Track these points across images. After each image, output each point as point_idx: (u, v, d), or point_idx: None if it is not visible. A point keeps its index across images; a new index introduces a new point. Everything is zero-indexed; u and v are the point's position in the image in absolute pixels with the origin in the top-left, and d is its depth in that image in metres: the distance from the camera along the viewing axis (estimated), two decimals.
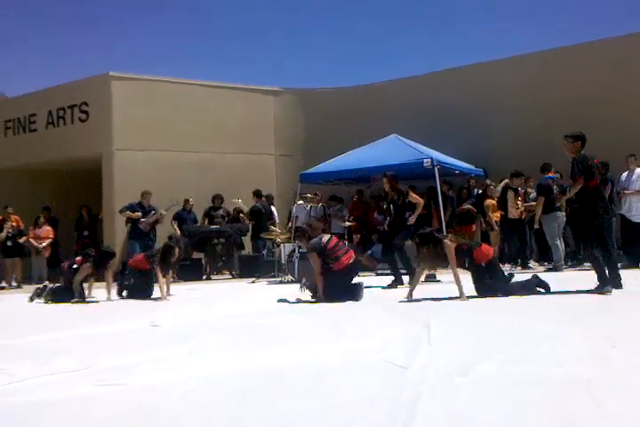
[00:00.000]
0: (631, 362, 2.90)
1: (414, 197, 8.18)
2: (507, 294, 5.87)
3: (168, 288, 7.98)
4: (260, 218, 10.57)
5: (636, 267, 9.28)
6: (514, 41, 28.74)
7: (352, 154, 11.94)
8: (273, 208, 12.18)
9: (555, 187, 9.38)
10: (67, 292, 7.62)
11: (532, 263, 10.59)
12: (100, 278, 8.26)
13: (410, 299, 5.97)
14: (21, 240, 12.26)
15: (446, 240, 6.06)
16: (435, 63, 36.55)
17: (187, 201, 12.12)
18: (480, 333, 3.94)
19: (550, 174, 9.64)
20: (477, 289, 6.02)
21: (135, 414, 2.42)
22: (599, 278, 5.89)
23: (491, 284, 5.98)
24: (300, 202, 11.15)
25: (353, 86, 14.86)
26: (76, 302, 7.37)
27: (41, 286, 8.38)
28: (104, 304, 7.46)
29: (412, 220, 7.96)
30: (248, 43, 34.51)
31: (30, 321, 6.12)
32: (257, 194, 11.53)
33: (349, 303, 6.14)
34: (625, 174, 9.73)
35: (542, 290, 6.01)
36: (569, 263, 9.96)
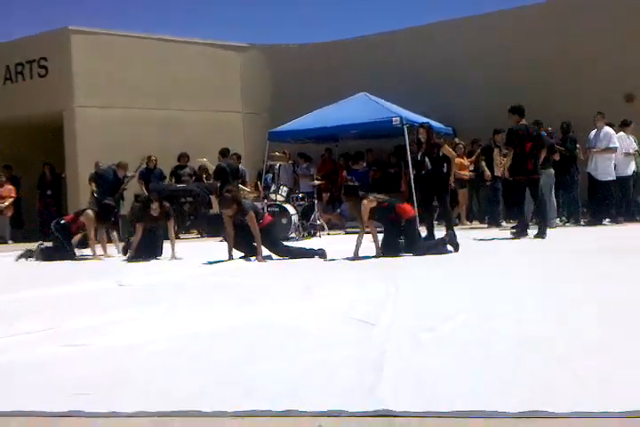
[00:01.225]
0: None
1: (448, 151, 7.95)
2: (421, 253, 6.11)
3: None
4: (225, 177, 10.44)
5: (600, 224, 9.51)
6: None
7: (321, 112, 11.81)
8: (242, 167, 12.04)
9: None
10: (57, 251, 7.63)
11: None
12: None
13: (356, 256, 6.14)
14: None
15: (364, 200, 6.21)
16: (403, 21, 35.95)
17: (149, 158, 11.85)
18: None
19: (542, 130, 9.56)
20: (384, 246, 6.22)
21: (102, 375, 2.40)
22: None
23: (404, 243, 6.28)
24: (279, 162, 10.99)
25: (322, 42, 14.60)
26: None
27: (35, 246, 8.14)
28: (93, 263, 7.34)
29: (452, 180, 8.15)
30: None
31: (4, 280, 6.02)
32: (223, 153, 11.36)
33: (319, 262, 6.18)
34: (593, 133, 9.82)
35: (451, 249, 6.29)
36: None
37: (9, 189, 12.60)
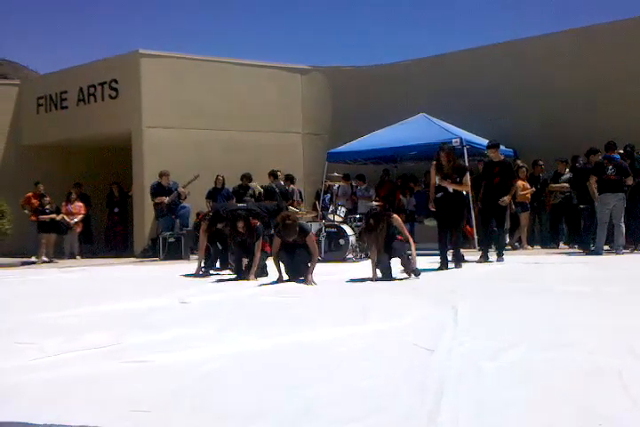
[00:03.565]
0: None
1: (465, 180, 7.69)
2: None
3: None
4: (275, 198, 10.59)
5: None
6: (544, 20, 28.01)
7: (380, 133, 11.82)
8: (294, 188, 12.11)
9: (610, 167, 9.06)
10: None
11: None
12: None
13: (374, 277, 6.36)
14: (58, 217, 12.48)
15: (394, 215, 6.66)
16: (462, 42, 35.91)
17: (217, 177, 12.12)
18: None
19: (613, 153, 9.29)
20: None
21: (159, 393, 2.44)
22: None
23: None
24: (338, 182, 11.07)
25: (381, 65, 14.65)
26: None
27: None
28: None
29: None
30: (277, 21, 34.26)
31: (67, 295, 6.22)
32: (272, 174, 11.55)
33: (377, 284, 6.14)
34: None
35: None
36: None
37: (79, 206, 13.09)
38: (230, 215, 7.34)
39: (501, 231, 8.56)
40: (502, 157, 8.55)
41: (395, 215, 6.68)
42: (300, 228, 6.52)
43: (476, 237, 10.34)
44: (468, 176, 7.68)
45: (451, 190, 7.43)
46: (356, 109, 13.88)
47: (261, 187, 11.44)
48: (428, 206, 7.93)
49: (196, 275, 7.65)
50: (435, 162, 7.64)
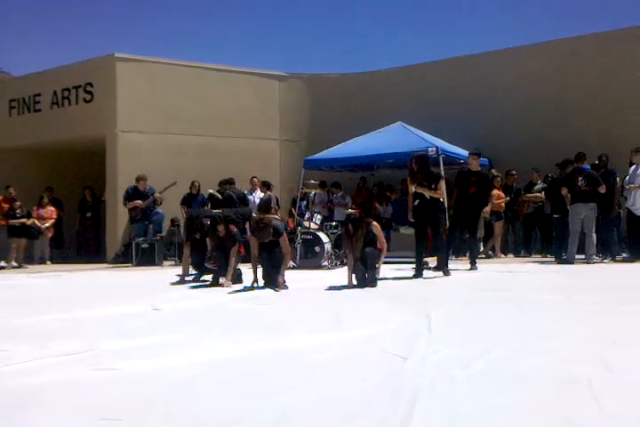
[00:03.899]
0: None
1: (440, 188, 7.71)
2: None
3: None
4: (233, 204, 10.72)
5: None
6: (524, 30, 28.45)
7: (357, 141, 11.87)
8: (271, 195, 12.07)
9: (580, 178, 9.20)
10: None
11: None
12: None
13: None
14: (29, 222, 12.27)
15: (373, 222, 6.73)
16: (443, 51, 36.22)
17: (192, 184, 12.05)
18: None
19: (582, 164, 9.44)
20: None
21: (131, 400, 2.40)
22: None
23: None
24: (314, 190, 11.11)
25: (359, 73, 14.73)
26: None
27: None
28: None
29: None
30: (254, 26, 34.26)
31: (37, 301, 6.11)
32: (228, 182, 11.71)
33: (351, 291, 6.15)
34: (632, 168, 9.67)
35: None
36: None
37: (51, 210, 12.90)
38: (211, 219, 7.37)
39: (475, 240, 8.65)
40: (479, 168, 8.67)
41: (374, 222, 6.72)
42: (274, 229, 6.53)
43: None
44: (442, 183, 7.70)
45: (427, 197, 7.45)
46: (334, 117, 13.93)
47: (218, 192, 11.49)
48: (405, 215, 7.96)
49: (181, 281, 7.60)
50: (409, 171, 7.69)
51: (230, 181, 11.74)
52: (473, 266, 8.22)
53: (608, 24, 32.86)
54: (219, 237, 7.18)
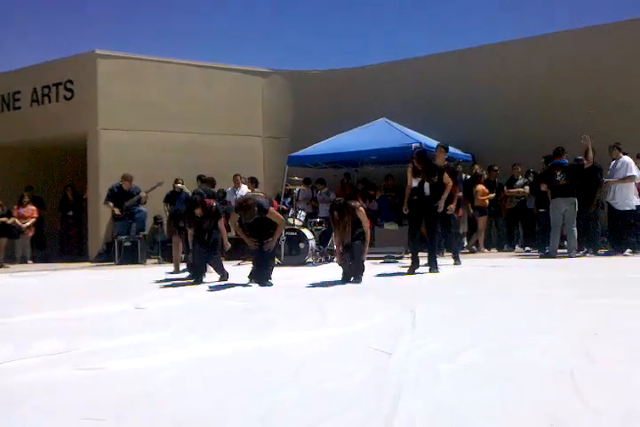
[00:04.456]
0: None
1: (447, 179, 7.59)
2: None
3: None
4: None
5: (621, 254, 9.37)
6: (504, 26, 28.56)
7: (340, 137, 11.87)
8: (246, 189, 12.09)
9: (558, 173, 9.28)
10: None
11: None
12: None
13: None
14: (9, 221, 12.13)
15: (360, 207, 6.72)
16: (429, 46, 36.24)
17: (175, 181, 11.99)
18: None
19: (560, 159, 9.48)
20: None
21: (114, 400, 2.39)
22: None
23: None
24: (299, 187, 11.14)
25: (343, 69, 14.73)
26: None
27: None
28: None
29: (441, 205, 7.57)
30: (237, 21, 34.04)
31: (18, 301, 6.06)
32: (199, 178, 11.82)
33: (336, 287, 6.15)
34: (612, 164, 9.78)
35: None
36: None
37: (31, 209, 12.78)
38: (186, 205, 7.46)
39: (451, 235, 8.75)
40: (446, 162, 8.60)
41: (360, 207, 6.71)
42: (259, 207, 6.45)
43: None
44: (446, 175, 7.54)
45: (427, 193, 7.35)
46: (318, 113, 13.92)
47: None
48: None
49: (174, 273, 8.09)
50: (410, 166, 7.59)
51: (202, 179, 11.73)
52: (456, 261, 8.25)
53: (596, 18, 33.04)
54: (198, 217, 7.09)
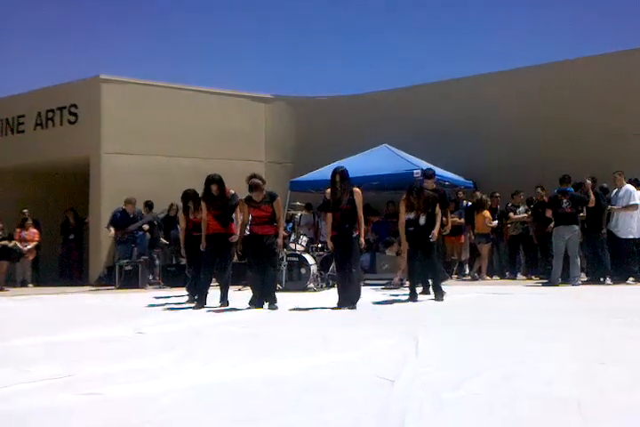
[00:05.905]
0: None
1: (438, 209, 7.64)
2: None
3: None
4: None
5: (624, 282, 9.33)
6: (508, 55, 28.88)
7: (342, 163, 11.84)
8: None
9: (564, 200, 9.31)
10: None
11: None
12: None
13: None
14: (10, 244, 12.10)
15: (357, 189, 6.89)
16: (429, 74, 36.62)
17: (170, 206, 11.92)
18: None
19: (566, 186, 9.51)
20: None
21: (116, 426, 2.36)
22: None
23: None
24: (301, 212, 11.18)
25: (345, 95, 14.88)
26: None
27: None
28: None
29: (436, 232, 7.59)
30: (241, 47, 34.43)
31: (18, 324, 6.01)
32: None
33: (338, 313, 6.11)
34: (614, 191, 9.81)
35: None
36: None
37: (33, 232, 12.75)
38: (204, 184, 7.62)
39: (433, 264, 7.70)
40: (434, 186, 8.54)
41: (356, 189, 6.77)
42: (268, 192, 6.87)
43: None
44: (437, 206, 7.55)
45: (422, 223, 7.35)
46: (320, 139, 14.00)
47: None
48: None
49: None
50: (404, 199, 7.56)
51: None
52: (438, 295, 7.33)
53: (599, 48, 33.46)
54: (214, 199, 7.32)
